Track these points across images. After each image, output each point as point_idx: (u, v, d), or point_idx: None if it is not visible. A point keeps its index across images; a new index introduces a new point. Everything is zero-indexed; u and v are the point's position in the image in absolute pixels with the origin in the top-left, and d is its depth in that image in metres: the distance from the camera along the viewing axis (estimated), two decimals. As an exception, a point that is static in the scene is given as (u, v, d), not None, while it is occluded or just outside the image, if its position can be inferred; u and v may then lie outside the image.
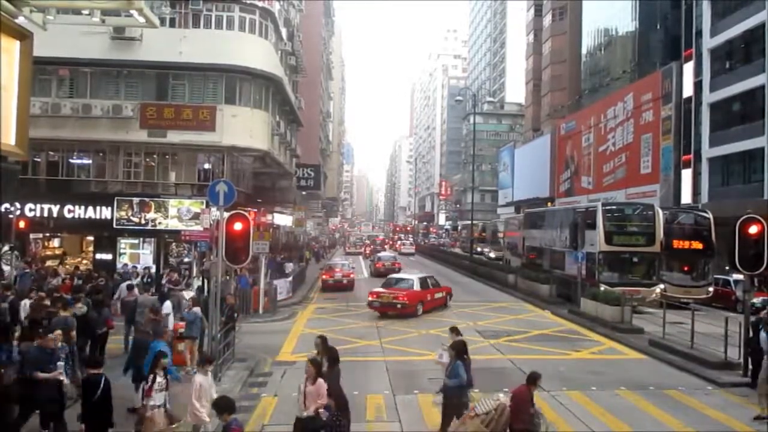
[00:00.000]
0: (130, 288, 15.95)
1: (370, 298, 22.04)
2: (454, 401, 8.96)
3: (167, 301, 13.64)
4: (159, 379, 8.29)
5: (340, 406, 7.42)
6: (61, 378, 8.55)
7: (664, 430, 10.16)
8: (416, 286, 22.24)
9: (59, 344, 9.16)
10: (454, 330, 10.89)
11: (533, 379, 8.11)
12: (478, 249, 53.22)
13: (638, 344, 16.64)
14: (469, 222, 48.67)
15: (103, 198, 24.95)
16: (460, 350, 9.39)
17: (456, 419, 8.97)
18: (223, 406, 6.82)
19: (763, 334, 12.27)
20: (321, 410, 7.82)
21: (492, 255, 50.27)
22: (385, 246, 68.76)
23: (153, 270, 23.43)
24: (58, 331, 9.14)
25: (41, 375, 8.23)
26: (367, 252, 59.02)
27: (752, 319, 13.30)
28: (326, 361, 8.91)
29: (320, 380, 7.84)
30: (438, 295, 23.48)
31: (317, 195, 62.15)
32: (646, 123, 39.23)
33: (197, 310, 13.35)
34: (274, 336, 17.53)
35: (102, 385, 7.91)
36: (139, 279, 20.20)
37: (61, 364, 8.57)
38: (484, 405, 7.76)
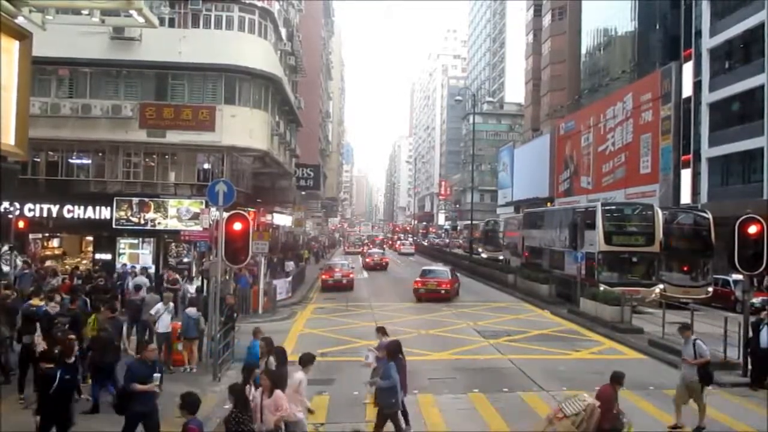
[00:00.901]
0: (138, 288, 15.96)
1: (415, 286, 26.07)
2: (385, 402, 8.85)
3: (159, 303, 13.58)
4: (252, 389, 8.22)
5: (241, 402, 7.08)
6: (156, 390, 8.36)
7: (664, 430, 10.16)
8: (449, 276, 26.95)
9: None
10: (381, 330, 10.83)
11: (617, 378, 8.07)
12: (479, 249, 53.04)
13: (638, 344, 16.64)
14: (469, 222, 48.64)
15: (102, 198, 24.92)
16: (393, 351, 9.29)
17: (389, 420, 8.87)
18: (186, 403, 6.50)
19: (763, 334, 12.28)
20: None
21: (484, 255, 48.52)
22: (384, 246, 70.85)
23: (151, 270, 23.36)
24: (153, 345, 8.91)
25: (139, 387, 8.07)
26: (364, 251, 60.21)
27: (752, 319, 13.30)
28: (274, 360, 8.95)
29: (277, 392, 7.61)
30: (456, 284, 27.69)
31: (317, 195, 62.13)
32: (646, 123, 39.24)
33: (192, 311, 13.34)
34: (274, 336, 17.19)
35: (58, 380, 7.92)
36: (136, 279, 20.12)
37: (157, 376, 8.40)
38: (573, 406, 7.67)
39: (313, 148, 60.88)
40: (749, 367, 12.83)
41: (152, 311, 13.24)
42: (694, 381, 9.96)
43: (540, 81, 64.23)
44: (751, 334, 12.91)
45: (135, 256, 25.25)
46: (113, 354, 10.59)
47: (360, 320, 20.66)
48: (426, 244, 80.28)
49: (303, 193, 51.79)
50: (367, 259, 45.15)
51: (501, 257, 44.07)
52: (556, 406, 7.92)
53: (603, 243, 23.08)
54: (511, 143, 73.03)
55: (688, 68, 35.45)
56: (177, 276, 20.31)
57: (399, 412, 9.02)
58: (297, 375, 8.34)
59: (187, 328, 13.07)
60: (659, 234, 23.48)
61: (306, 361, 8.62)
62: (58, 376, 7.95)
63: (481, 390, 12.17)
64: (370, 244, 70.36)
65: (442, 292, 25.18)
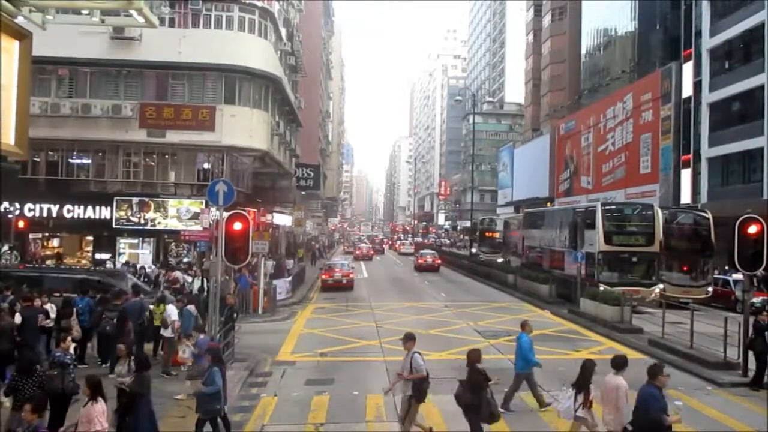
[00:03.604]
0: (135, 289, 15.87)
1: (418, 262, 42.53)
2: (207, 408, 8.72)
3: (170, 305, 13.57)
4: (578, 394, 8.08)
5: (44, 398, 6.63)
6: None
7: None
8: (437, 256, 43.90)
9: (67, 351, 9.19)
10: (198, 328, 10.93)
11: None
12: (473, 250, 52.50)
13: (638, 344, 16.62)
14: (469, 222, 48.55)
15: (102, 198, 24.94)
16: (215, 355, 9.23)
17: (210, 423, 8.71)
18: (42, 403, 6.06)
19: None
20: None
21: (481, 257, 45.04)
22: (384, 245, 73.74)
23: (150, 270, 23.35)
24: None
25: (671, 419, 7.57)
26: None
27: (752, 319, 13.26)
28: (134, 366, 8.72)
29: (89, 405, 6.33)
30: (440, 261, 43.00)
31: (317, 195, 62.10)
32: (646, 123, 39.24)
33: (191, 308, 13.32)
34: (274, 336, 17.53)
35: None
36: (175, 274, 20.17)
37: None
38: None
39: (313, 148, 60.88)
40: (749, 367, 12.80)
41: (168, 313, 13.15)
42: (407, 395, 9.32)
43: (540, 81, 64.21)
44: (751, 334, 12.86)
45: (135, 256, 25.27)
46: (7, 342, 10.84)
47: (360, 320, 20.66)
48: (434, 244, 79.67)
49: (303, 193, 51.76)
50: (356, 252, 56.37)
51: (500, 260, 42.97)
52: None
53: (603, 243, 23.06)
54: (511, 143, 72.99)
55: (688, 68, 35.44)
56: (177, 275, 20.31)
57: (219, 419, 8.85)
58: (616, 381, 7.89)
59: (186, 325, 13.06)
60: (659, 234, 23.46)
61: (621, 364, 8.10)
62: None
63: (482, 390, 12.14)
64: (369, 243, 71.41)
65: (436, 264, 41.70)
